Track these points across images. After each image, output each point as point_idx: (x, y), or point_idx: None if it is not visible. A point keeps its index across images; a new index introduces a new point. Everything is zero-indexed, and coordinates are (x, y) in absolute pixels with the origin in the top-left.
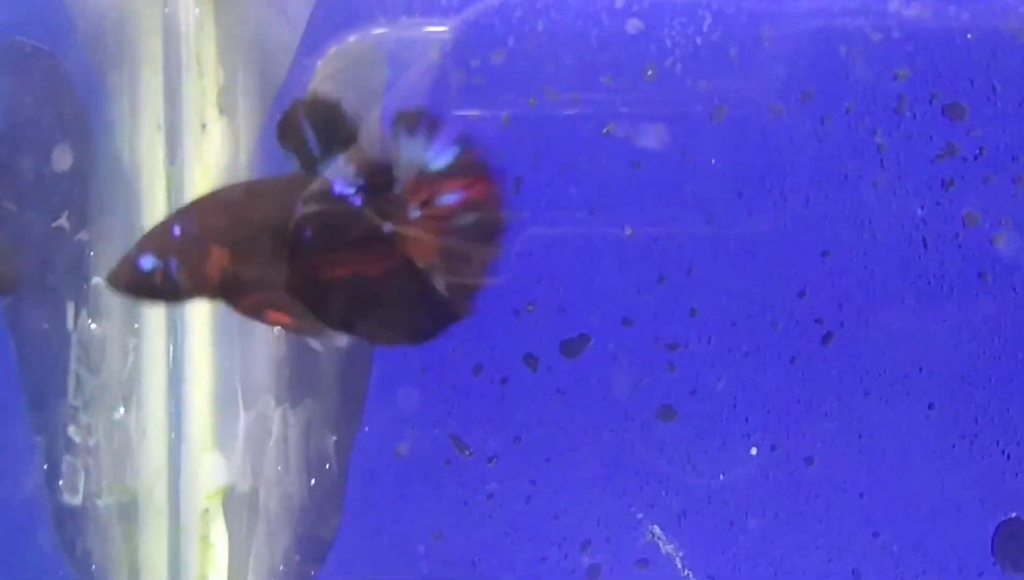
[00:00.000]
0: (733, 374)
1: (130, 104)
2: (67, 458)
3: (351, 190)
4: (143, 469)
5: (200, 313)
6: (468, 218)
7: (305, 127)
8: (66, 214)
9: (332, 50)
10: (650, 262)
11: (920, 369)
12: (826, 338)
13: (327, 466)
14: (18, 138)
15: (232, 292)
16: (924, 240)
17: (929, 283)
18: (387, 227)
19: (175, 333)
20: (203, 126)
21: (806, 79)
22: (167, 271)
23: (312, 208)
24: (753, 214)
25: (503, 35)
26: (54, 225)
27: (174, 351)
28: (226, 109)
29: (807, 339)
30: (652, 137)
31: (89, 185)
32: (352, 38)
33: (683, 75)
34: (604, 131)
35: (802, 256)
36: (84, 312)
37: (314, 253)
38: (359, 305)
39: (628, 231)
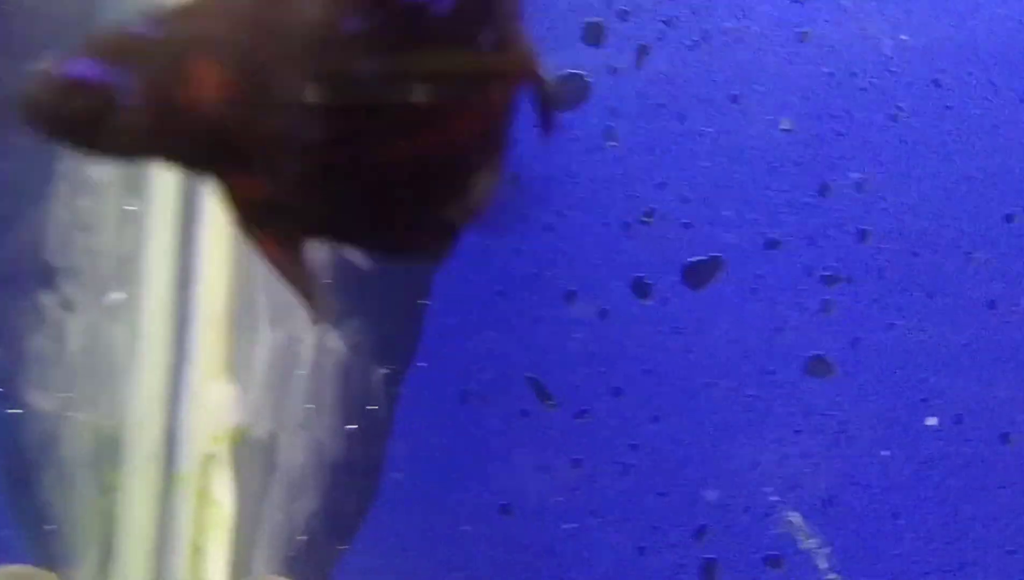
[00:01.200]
0: (910, 319)
1: None
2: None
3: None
4: (132, 394)
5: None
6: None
7: None
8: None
9: None
10: (810, 166)
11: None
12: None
13: (371, 407)
14: None
15: (219, 140)
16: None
17: None
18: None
19: (188, 208)
20: None
21: None
22: (115, 87)
23: (369, 15)
24: (955, 108)
25: None
26: None
27: (183, 235)
28: None
29: (1012, 277)
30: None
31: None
32: None
33: None
34: None
35: (1017, 169)
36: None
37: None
38: (428, 194)
39: (784, 125)
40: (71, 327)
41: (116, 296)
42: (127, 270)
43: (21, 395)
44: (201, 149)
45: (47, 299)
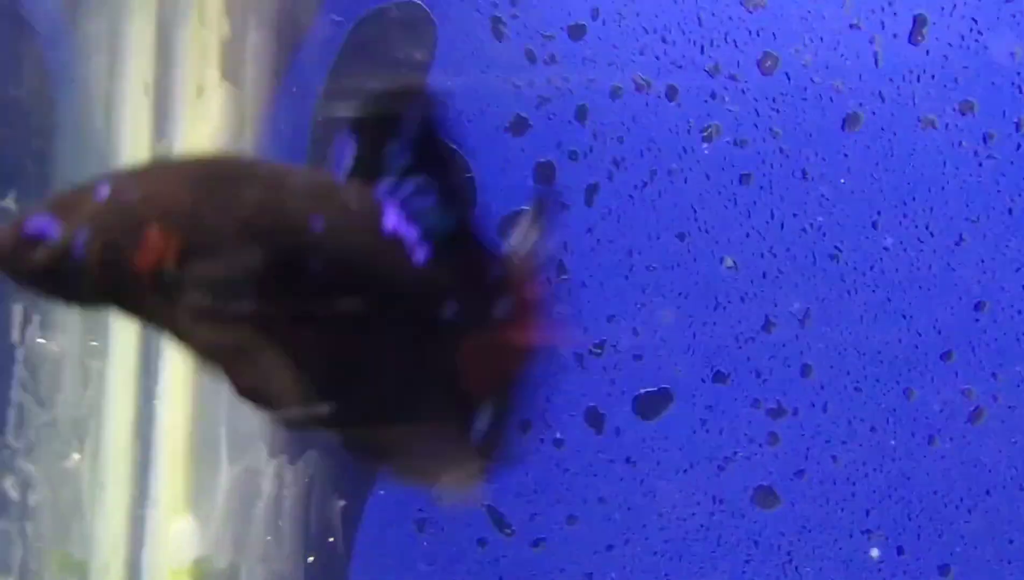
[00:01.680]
0: (854, 452)
1: (110, 60)
2: None
3: (414, 232)
4: (97, 536)
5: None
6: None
7: (405, 123)
8: (14, 194)
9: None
10: (754, 303)
11: None
12: (975, 414)
13: (330, 539)
14: None
15: (169, 300)
16: None
17: None
18: (451, 308)
19: (148, 354)
20: (200, 91)
21: (967, 87)
22: (70, 244)
23: (343, 228)
24: (889, 251)
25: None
26: None
27: (146, 379)
28: (229, 72)
29: (950, 414)
30: (766, 144)
31: (49, 158)
32: None
33: (812, 69)
34: (704, 133)
35: (950, 309)
36: (35, 321)
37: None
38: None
39: (729, 262)
40: (36, 475)
41: (76, 456)
42: (89, 420)
43: None
44: (145, 295)
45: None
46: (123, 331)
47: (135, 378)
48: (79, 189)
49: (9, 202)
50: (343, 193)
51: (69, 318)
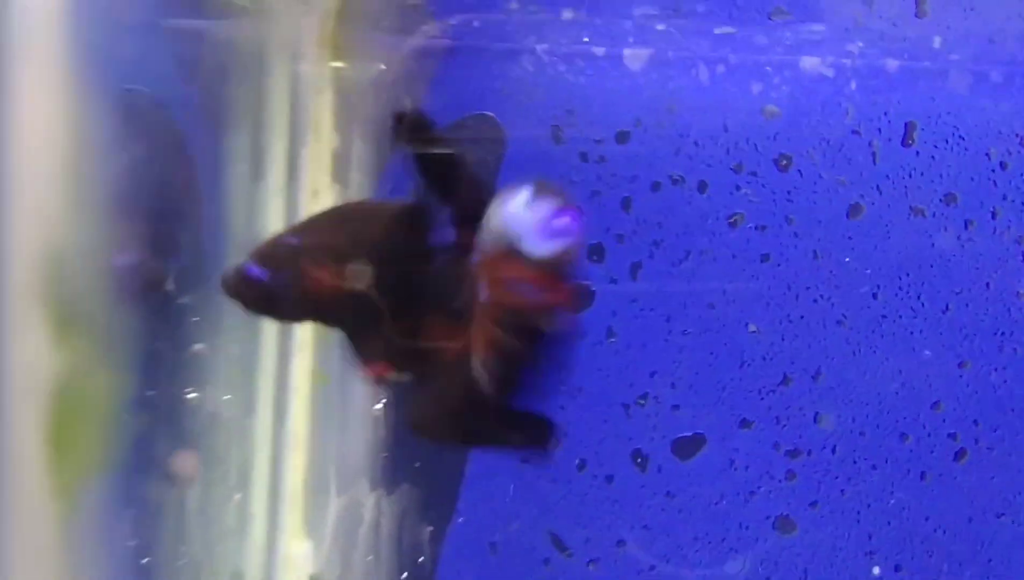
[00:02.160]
0: (858, 486)
1: (252, 168)
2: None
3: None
4: (245, 557)
5: (302, 389)
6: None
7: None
8: (173, 275)
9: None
10: (774, 362)
11: None
12: (959, 454)
13: (420, 559)
14: (130, 194)
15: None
16: None
17: None
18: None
19: (280, 412)
20: (315, 193)
21: (951, 181)
22: (272, 283)
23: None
24: (887, 318)
25: (632, 116)
26: (163, 289)
27: (279, 430)
28: (339, 176)
29: (939, 454)
30: (782, 230)
31: (202, 249)
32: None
33: (820, 167)
34: (730, 220)
35: (938, 367)
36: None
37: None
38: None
39: (752, 328)
40: (191, 506)
41: (238, 496)
42: (243, 468)
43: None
44: (332, 319)
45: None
46: (263, 388)
47: (271, 427)
48: (273, 241)
49: (170, 284)
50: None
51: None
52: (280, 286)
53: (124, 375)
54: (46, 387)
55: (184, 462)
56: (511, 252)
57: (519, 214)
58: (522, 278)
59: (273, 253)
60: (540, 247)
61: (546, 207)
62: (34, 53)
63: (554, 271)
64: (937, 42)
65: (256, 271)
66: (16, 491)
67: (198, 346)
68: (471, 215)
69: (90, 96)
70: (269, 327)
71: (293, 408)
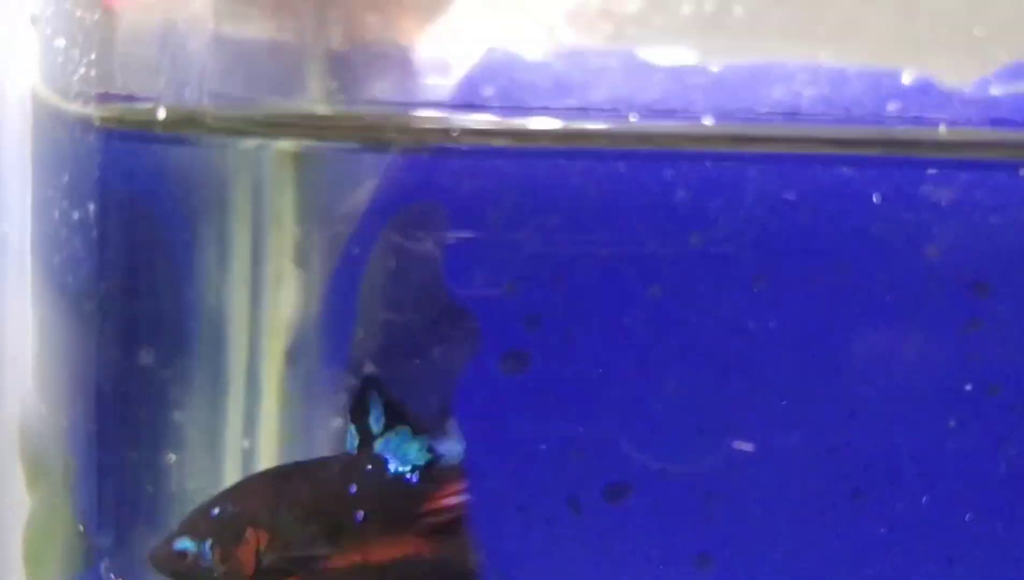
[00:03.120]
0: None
1: (218, 256)
2: None
3: (407, 468)
4: None
5: (268, 450)
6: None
7: (373, 402)
8: (152, 351)
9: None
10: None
11: (944, 528)
12: (855, 495)
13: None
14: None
15: (269, 577)
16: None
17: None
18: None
19: (247, 469)
20: (279, 278)
21: None
22: (200, 553)
23: (366, 488)
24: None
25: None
26: (140, 363)
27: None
28: (300, 262)
29: (839, 496)
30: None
31: (176, 327)
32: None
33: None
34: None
35: (831, 415)
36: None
37: (367, 535)
38: None
39: (671, 387)
40: None
41: None
42: None
43: None
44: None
45: None
46: (231, 451)
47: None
48: (200, 509)
49: (149, 359)
50: (359, 460)
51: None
52: (206, 556)
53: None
54: (23, 519)
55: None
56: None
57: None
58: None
59: (198, 524)
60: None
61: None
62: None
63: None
64: None
65: (182, 543)
66: None
67: (176, 414)
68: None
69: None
70: (237, 394)
71: (260, 463)
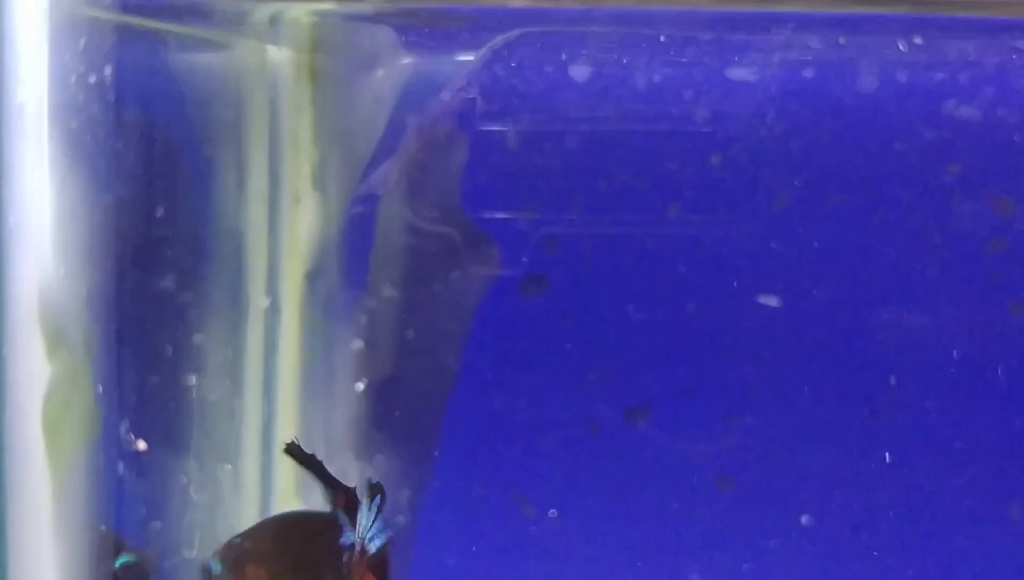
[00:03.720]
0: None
1: (237, 178)
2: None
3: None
4: (240, 520)
5: (289, 377)
6: None
7: (371, 510)
8: (173, 277)
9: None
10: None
11: (962, 447)
12: (874, 414)
13: (399, 518)
14: (133, 204)
15: None
16: (971, 326)
17: (977, 367)
18: None
19: (269, 393)
20: (297, 200)
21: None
22: (222, 575)
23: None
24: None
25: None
26: (159, 286)
27: (268, 408)
28: (319, 185)
29: (856, 416)
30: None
31: (197, 250)
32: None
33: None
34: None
35: (855, 333)
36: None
37: None
38: None
39: (690, 308)
40: (191, 475)
41: (228, 466)
42: (236, 439)
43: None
44: None
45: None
46: (252, 372)
47: (260, 410)
48: (229, 543)
49: (169, 282)
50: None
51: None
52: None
53: (109, 373)
54: (42, 389)
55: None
56: (363, 550)
57: (364, 523)
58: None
59: (226, 552)
60: (371, 548)
61: (371, 515)
62: (28, 120)
63: (375, 567)
64: None
65: (214, 565)
66: (21, 468)
67: (197, 337)
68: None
69: (75, 151)
70: (257, 317)
71: (281, 388)
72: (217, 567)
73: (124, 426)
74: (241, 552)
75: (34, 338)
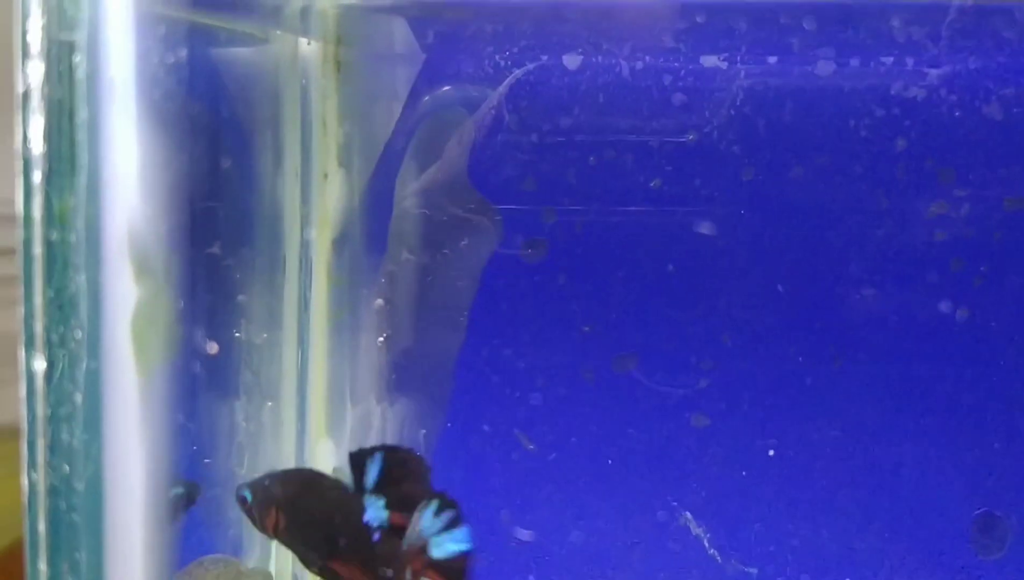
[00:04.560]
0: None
1: (274, 156)
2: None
3: (375, 526)
4: (280, 453)
5: (319, 331)
6: None
7: (372, 464)
8: (219, 243)
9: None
10: (689, 295)
11: (915, 390)
12: (835, 360)
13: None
14: (188, 182)
15: (284, 543)
16: (922, 280)
17: (920, 317)
18: (387, 573)
19: (303, 343)
20: (325, 176)
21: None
22: (252, 505)
23: (343, 523)
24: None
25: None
26: (208, 251)
27: (302, 357)
28: (344, 162)
29: (821, 363)
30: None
31: (234, 219)
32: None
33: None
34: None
35: (818, 288)
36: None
37: (340, 557)
38: None
39: (671, 267)
40: (238, 412)
41: (270, 404)
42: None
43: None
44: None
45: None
46: (288, 326)
47: (296, 356)
48: (264, 477)
49: (216, 249)
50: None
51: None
52: (252, 513)
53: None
54: (131, 308)
55: (210, 346)
56: (424, 548)
57: (426, 523)
58: (426, 573)
59: (256, 487)
60: (437, 551)
61: (444, 520)
62: (118, 91)
63: (451, 571)
64: None
65: (245, 493)
66: (116, 371)
67: (240, 297)
68: (407, 506)
69: (156, 117)
70: (292, 278)
71: (313, 340)
72: (249, 496)
73: (200, 333)
74: (270, 494)
75: (124, 267)
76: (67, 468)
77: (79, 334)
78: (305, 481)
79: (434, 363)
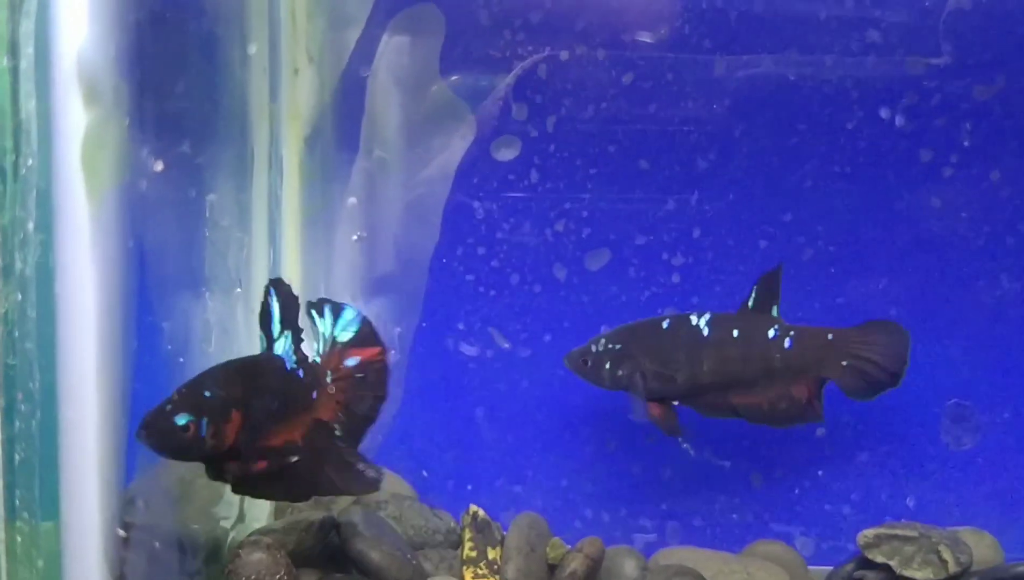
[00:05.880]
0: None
1: (240, 54)
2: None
3: (294, 365)
4: (250, 339)
5: (292, 229)
6: (362, 374)
7: (272, 307)
8: (189, 142)
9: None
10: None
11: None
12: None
13: (392, 351)
14: (155, 80)
15: (243, 455)
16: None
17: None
18: (313, 394)
19: (274, 239)
20: (295, 71)
21: None
22: (198, 428)
23: (276, 382)
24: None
25: None
26: (179, 150)
27: (274, 253)
28: (314, 58)
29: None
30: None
31: (209, 119)
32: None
33: None
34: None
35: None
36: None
37: (280, 419)
38: (288, 470)
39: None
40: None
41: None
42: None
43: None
44: (231, 454)
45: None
46: (258, 222)
47: (267, 251)
48: (191, 389)
49: (186, 147)
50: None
51: (225, 215)
52: (202, 431)
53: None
54: (82, 131)
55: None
56: (334, 344)
57: (325, 327)
58: (346, 355)
59: (195, 402)
60: (343, 336)
61: (331, 312)
62: None
63: (363, 341)
64: None
65: (183, 418)
66: (66, 198)
67: (211, 196)
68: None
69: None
70: (261, 174)
71: (286, 238)
72: (191, 418)
73: (145, 151)
74: (221, 400)
75: (73, 91)
76: (19, 296)
77: (30, 161)
78: (243, 369)
79: (409, 262)
